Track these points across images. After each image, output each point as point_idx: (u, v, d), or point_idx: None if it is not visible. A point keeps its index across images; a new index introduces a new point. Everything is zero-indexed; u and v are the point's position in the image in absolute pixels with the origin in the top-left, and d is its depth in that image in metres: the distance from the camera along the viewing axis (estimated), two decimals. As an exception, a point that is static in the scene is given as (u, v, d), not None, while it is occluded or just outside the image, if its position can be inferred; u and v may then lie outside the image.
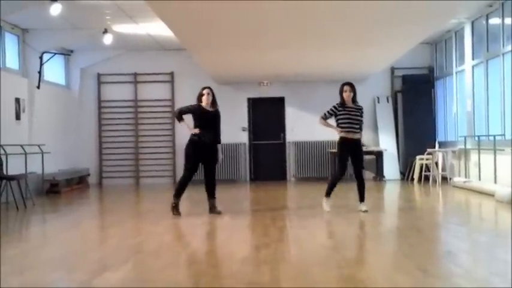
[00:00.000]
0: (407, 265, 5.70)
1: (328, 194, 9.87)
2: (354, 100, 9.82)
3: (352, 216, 9.42)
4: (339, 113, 9.72)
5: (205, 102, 9.75)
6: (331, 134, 10.91)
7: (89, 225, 9.73)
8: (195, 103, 9.84)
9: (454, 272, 5.45)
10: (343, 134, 9.71)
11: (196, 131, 9.59)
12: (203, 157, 9.72)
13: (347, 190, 12.42)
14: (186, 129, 9.74)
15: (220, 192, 10.32)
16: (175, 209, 9.71)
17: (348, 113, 9.69)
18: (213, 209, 9.83)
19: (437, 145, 16.21)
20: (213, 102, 9.82)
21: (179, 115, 9.74)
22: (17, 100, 13.84)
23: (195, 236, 8.01)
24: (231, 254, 6.40)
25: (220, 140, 9.87)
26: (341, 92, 9.79)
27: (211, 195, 9.88)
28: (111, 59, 17.84)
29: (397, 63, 16.66)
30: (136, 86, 18.13)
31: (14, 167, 12.63)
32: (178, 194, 9.77)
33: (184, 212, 9.92)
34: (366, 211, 9.65)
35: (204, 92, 9.78)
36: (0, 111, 12.69)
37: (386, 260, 6.10)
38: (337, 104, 9.78)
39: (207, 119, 9.69)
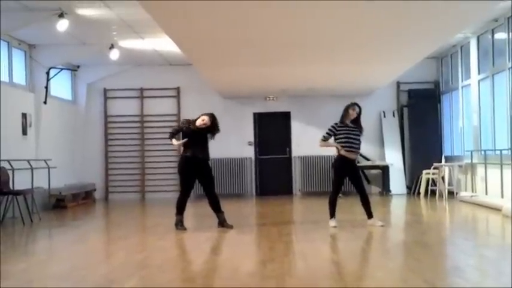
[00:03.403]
0: (414, 280, 5.67)
1: (332, 215, 9.75)
2: (357, 121, 9.76)
3: (358, 230, 9.40)
4: (338, 131, 9.62)
5: (198, 123, 9.72)
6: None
7: (95, 239, 9.74)
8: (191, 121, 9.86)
9: (461, 287, 5.43)
10: (343, 153, 9.62)
11: (181, 142, 9.59)
12: (197, 173, 9.76)
13: (352, 204, 12.38)
14: (176, 144, 9.72)
15: (226, 207, 10.31)
16: (179, 224, 9.70)
17: (348, 132, 9.64)
18: (223, 224, 9.80)
19: (443, 159, 16.17)
20: (210, 129, 9.78)
21: (171, 135, 9.77)
22: (24, 115, 13.89)
23: (200, 251, 8.00)
24: (237, 268, 6.38)
25: (208, 157, 9.90)
26: (347, 109, 9.70)
27: (217, 210, 9.87)
28: (118, 74, 17.89)
29: (402, 77, 16.64)
30: (143, 101, 18.17)
31: (20, 182, 12.65)
32: (179, 212, 9.78)
33: (190, 226, 9.92)
34: (382, 225, 9.61)
35: (202, 117, 9.75)
36: (2, 126, 12.70)
37: (392, 275, 6.08)
38: (335, 123, 9.68)
39: (196, 136, 9.67)
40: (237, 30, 10.22)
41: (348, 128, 9.64)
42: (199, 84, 17.20)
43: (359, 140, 9.73)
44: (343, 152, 9.59)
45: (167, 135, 10.00)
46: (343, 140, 9.59)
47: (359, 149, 9.79)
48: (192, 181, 9.84)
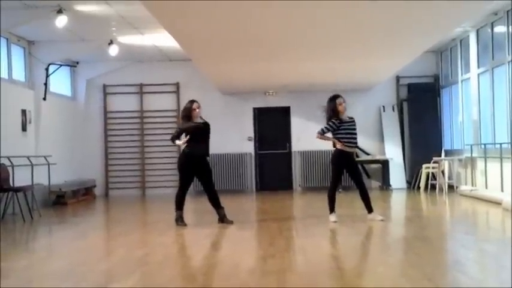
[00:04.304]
0: (414, 275, 5.67)
1: (331, 210, 9.73)
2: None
3: (358, 225, 9.40)
4: (338, 127, 9.54)
5: (197, 115, 9.76)
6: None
7: (96, 236, 9.75)
8: (185, 119, 9.82)
9: (462, 282, 5.43)
10: (340, 146, 9.57)
11: (185, 139, 9.58)
12: (196, 169, 9.76)
13: (352, 199, 12.38)
14: (181, 144, 9.73)
15: (226, 202, 10.31)
16: (179, 220, 9.71)
17: (347, 127, 9.59)
18: (223, 219, 9.80)
19: (443, 153, 16.16)
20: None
21: (174, 140, 9.79)
22: (23, 112, 13.88)
23: (201, 247, 8.00)
24: (237, 264, 6.38)
25: (208, 153, 9.90)
26: (334, 106, 9.58)
27: (217, 206, 9.87)
28: (117, 70, 17.88)
29: (402, 71, 16.63)
30: (142, 96, 18.17)
31: (20, 179, 12.64)
32: (178, 207, 9.79)
33: (190, 222, 9.93)
34: (382, 220, 9.60)
35: (195, 106, 9.77)
36: (2, 122, 12.68)
37: (393, 270, 6.08)
38: (334, 119, 9.56)
39: (199, 133, 9.69)
40: (236, 26, 10.21)
41: (346, 124, 9.61)
42: (199, 79, 17.19)
43: (355, 133, 9.72)
44: (339, 146, 9.57)
45: (168, 137, 10.00)
46: (344, 135, 9.56)
47: (357, 142, 9.81)
48: (191, 177, 9.86)
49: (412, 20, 9.97)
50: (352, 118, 9.74)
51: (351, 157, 9.79)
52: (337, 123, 9.54)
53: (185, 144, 9.63)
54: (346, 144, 9.57)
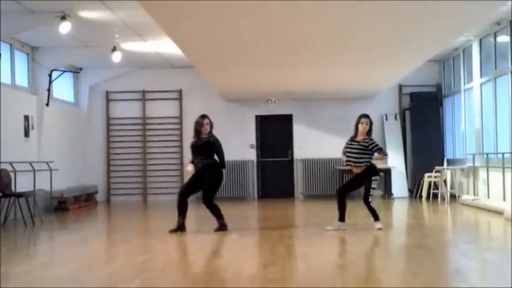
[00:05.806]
0: (416, 283, 5.66)
1: (341, 217, 9.74)
2: (368, 133, 9.73)
3: (360, 234, 9.39)
4: (347, 145, 9.76)
5: (205, 131, 9.83)
6: (338, 151, 10.86)
7: (97, 242, 9.74)
8: (195, 133, 9.96)
9: (463, 291, 5.43)
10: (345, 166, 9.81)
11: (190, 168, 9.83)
12: (198, 182, 9.82)
13: (354, 208, 12.35)
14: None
15: (229, 209, 10.32)
16: (180, 227, 9.71)
17: (350, 147, 9.67)
18: (218, 228, 9.80)
19: (445, 163, 16.16)
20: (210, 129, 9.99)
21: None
22: (26, 117, 13.89)
23: (202, 254, 7.99)
24: (238, 272, 6.38)
25: (223, 163, 9.92)
26: (357, 123, 9.73)
27: (216, 217, 9.87)
28: (120, 77, 17.90)
29: (404, 80, 16.65)
30: (145, 103, 18.18)
31: (22, 184, 12.65)
32: (180, 214, 9.79)
33: (192, 229, 9.92)
34: (380, 228, 9.60)
35: (205, 122, 9.84)
36: (5, 128, 12.70)
37: (394, 278, 6.07)
38: (350, 138, 9.82)
39: (195, 148, 9.82)
40: (239, 33, 10.23)
41: (351, 143, 9.70)
42: (201, 86, 17.23)
43: (358, 153, 9.59)
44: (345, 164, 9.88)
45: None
46: (346, 155, 9.71)
47: (357, 162, 9.61)
48: (188, 188, 9.99)
49: (415, 28, 9.98)
50: (366, 140, 9.66)
51: (354, 175, 9.83)
52: (348, 141, 9.80)
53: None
54: (346, 162, 9.79)
